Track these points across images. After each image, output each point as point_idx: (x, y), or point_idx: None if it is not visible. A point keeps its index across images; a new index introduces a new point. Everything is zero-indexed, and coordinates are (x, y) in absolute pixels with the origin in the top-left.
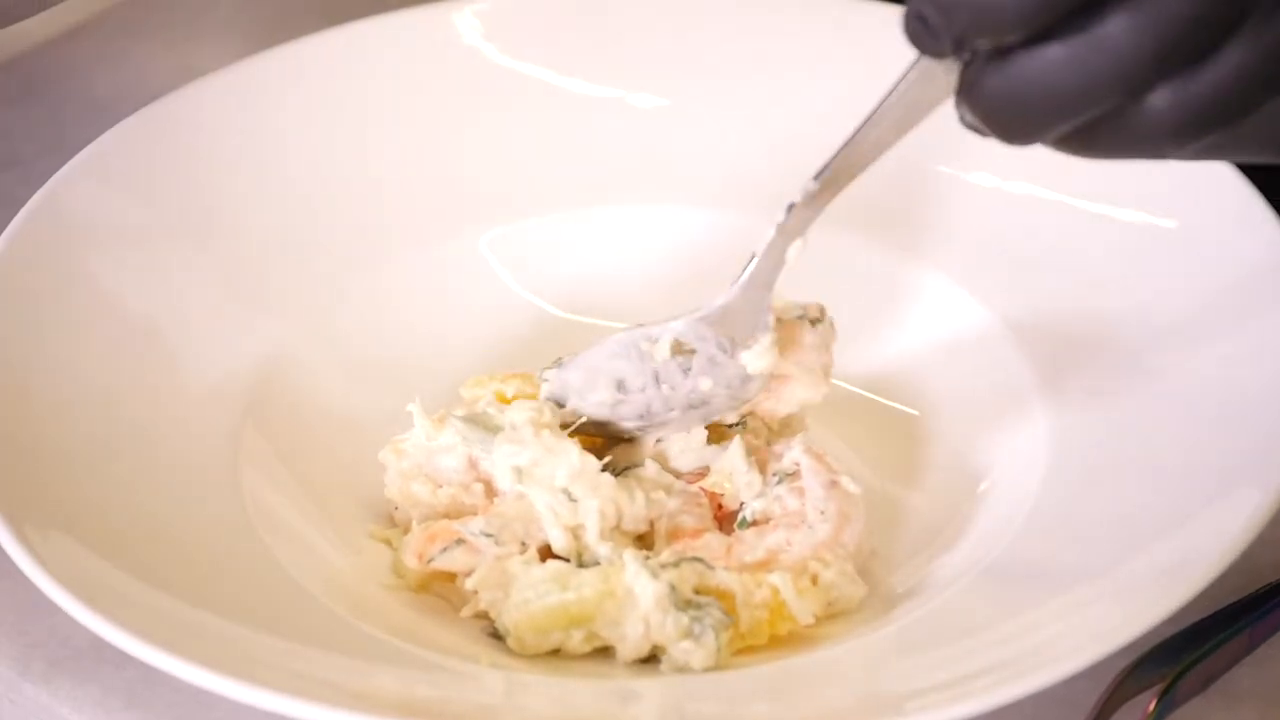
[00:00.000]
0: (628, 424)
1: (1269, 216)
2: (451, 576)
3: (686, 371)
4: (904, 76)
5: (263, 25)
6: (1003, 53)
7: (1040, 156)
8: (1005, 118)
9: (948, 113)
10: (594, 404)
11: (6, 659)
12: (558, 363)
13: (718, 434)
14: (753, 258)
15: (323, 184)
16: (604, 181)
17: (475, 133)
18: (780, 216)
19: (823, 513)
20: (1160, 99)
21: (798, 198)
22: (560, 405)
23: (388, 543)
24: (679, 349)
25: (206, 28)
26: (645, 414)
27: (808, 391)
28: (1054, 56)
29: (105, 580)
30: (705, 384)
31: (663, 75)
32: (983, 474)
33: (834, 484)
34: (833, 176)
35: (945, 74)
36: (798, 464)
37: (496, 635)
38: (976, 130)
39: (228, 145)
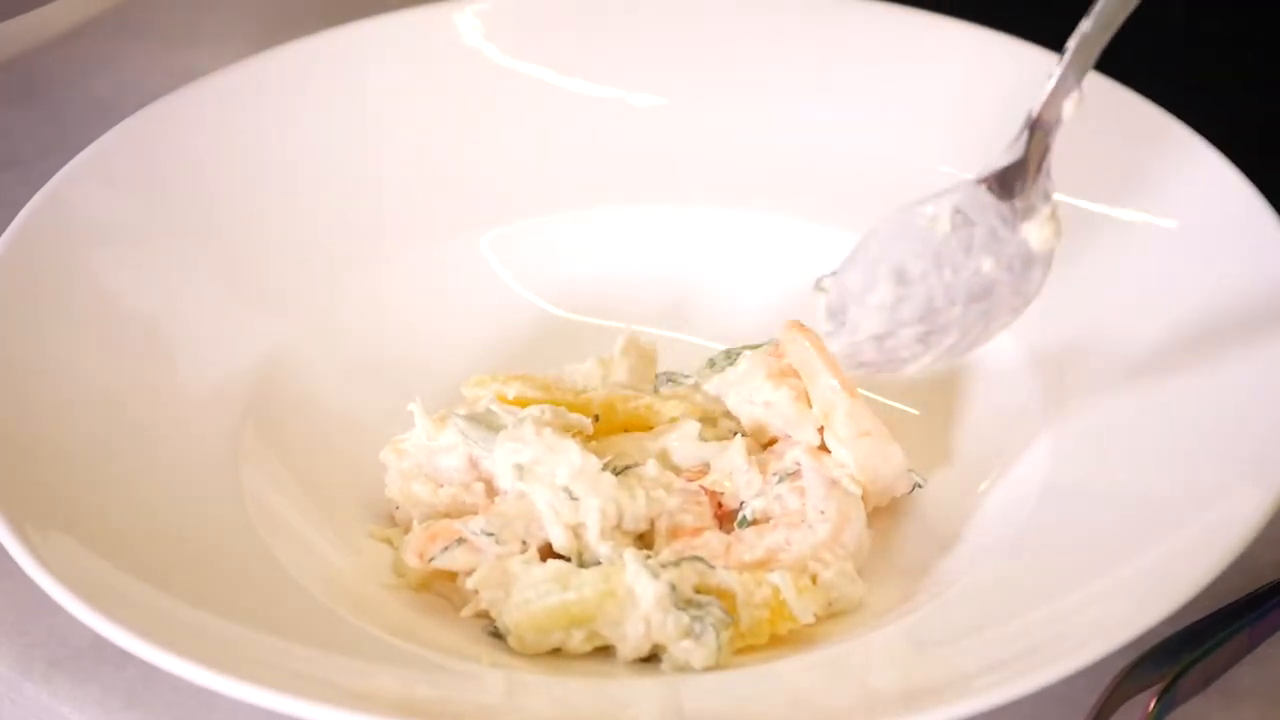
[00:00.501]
0: (908, 332)
1: (1269, 216)
2: (452, 576)
3: (968, 250)
4: None
5: (263, 26)
6: None
7: None
8: None
9: (949, 114)
10: (874, 308)
11: (7, 659)
12: (833, 273)
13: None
14: (1027, 116)
15: (323, 184)
16: (604, 181)
17: (475, 133)
18: (1057, 66)
19: (823, 512)
20: None
21: (1072, 41)
22: (838, 323)
23: (388, 542)
24: (960, 221)
25: (206, 28)
26: (927, 312)
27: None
28: None
29: (105, 580)
30: (988, 264)
31: (662, 75)
32: (983, 474)
33: (834, 484)
34: (1110, 11)
35: None
36: (798, 463)
37: (497, 634)
38: None
39: (228, 145)
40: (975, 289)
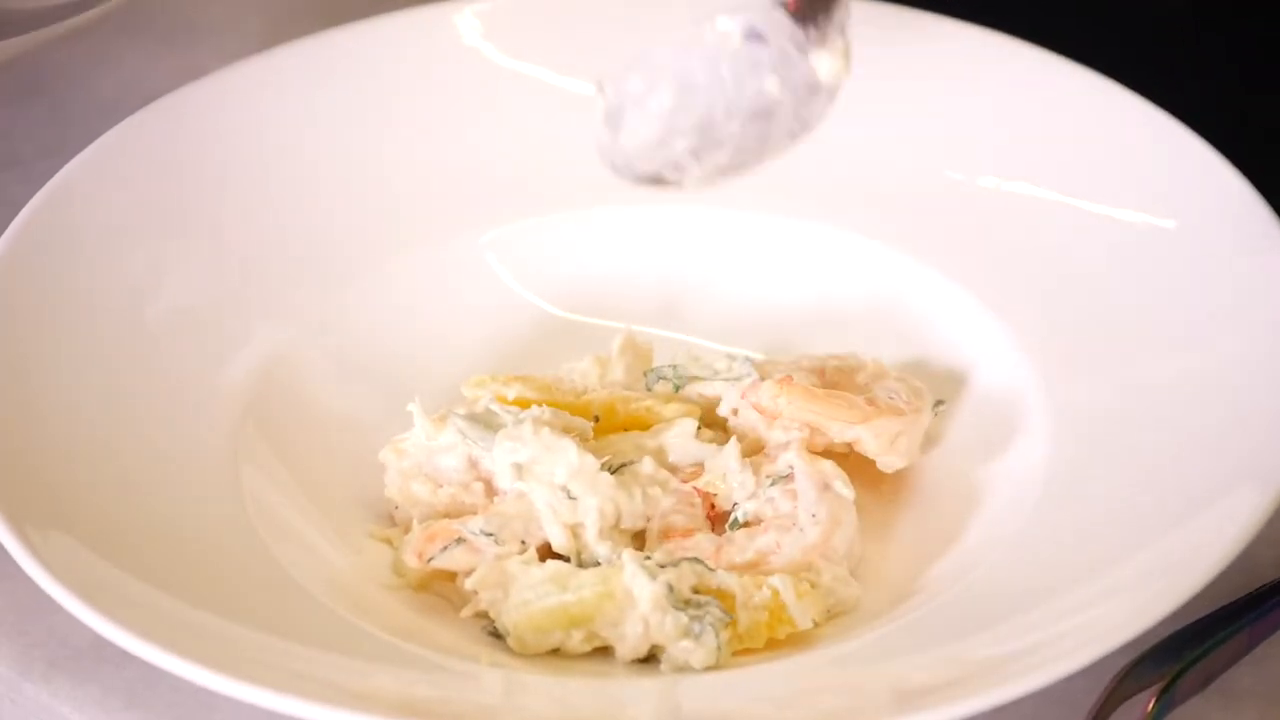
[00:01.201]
0: (682, 143)
1: (1269, 216)
2: (451, 576)
3: (755, 67)
4: None
5: (263, 26)
6: None
7: (1042, 156)
8: None
9: (951, 117)
10: (652, 113)
11: (7, 659)
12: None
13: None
14: None
15: (323, 184)
16: (604, 181)
17: (475, 133)
18: None
19: (814, 516)
20: None
21: None
22: (614, 128)
23: (388, 542)
24: (752, 37)
25: (207, 29)
26: (704, 125)
27: (887, 455)
28: None
29: (106, 580)
30: (772, 84)
31: None
32: (981, 474)
33: (827, 487)
34: None
35: None
36: (791, 466)
37: (496, 635)
38: None
39: (228, 146)
40: (757, 107)
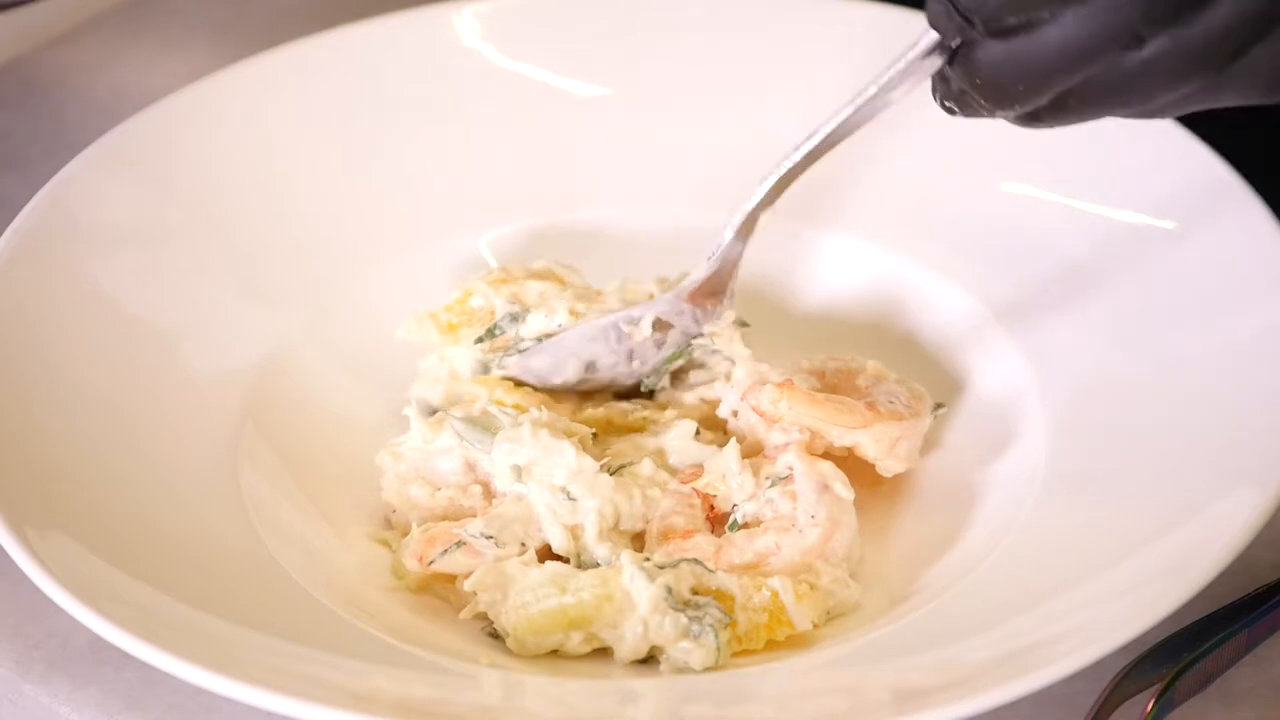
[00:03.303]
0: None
1: (1268, 217)
2: (451, 578)
3: (660, 345)
4: (904, 54)
5: (262, 27)
6: (1015, 28)
7: (1041, 157)
8: (1006, 81)
9: (951, 120)
10: (554, 385)
11: (6, 660)
12: (518, 349)
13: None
14: (728, 228)
15: (322, 185)
16: (604, 181)
17: (475, 133)
18: (757, 189)
19: (813, 517)
20: (1155, 47)
21: (773, 171)
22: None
23: (386, 545)
24: (660, 326)
25: (206, 29)
26: (606, 384)
27: (887, 460)
28: (1067, 21)
29: (105, 581)
30: (670, 352)
31: (661, 76)
32: (982, 475)
33: (826, 489)
34: (813, 151)
35: (932, 62)
36: (791, 468)
37: (495, 636)
38: (958, 106)
39: (227, 146)
40: (656, 365)
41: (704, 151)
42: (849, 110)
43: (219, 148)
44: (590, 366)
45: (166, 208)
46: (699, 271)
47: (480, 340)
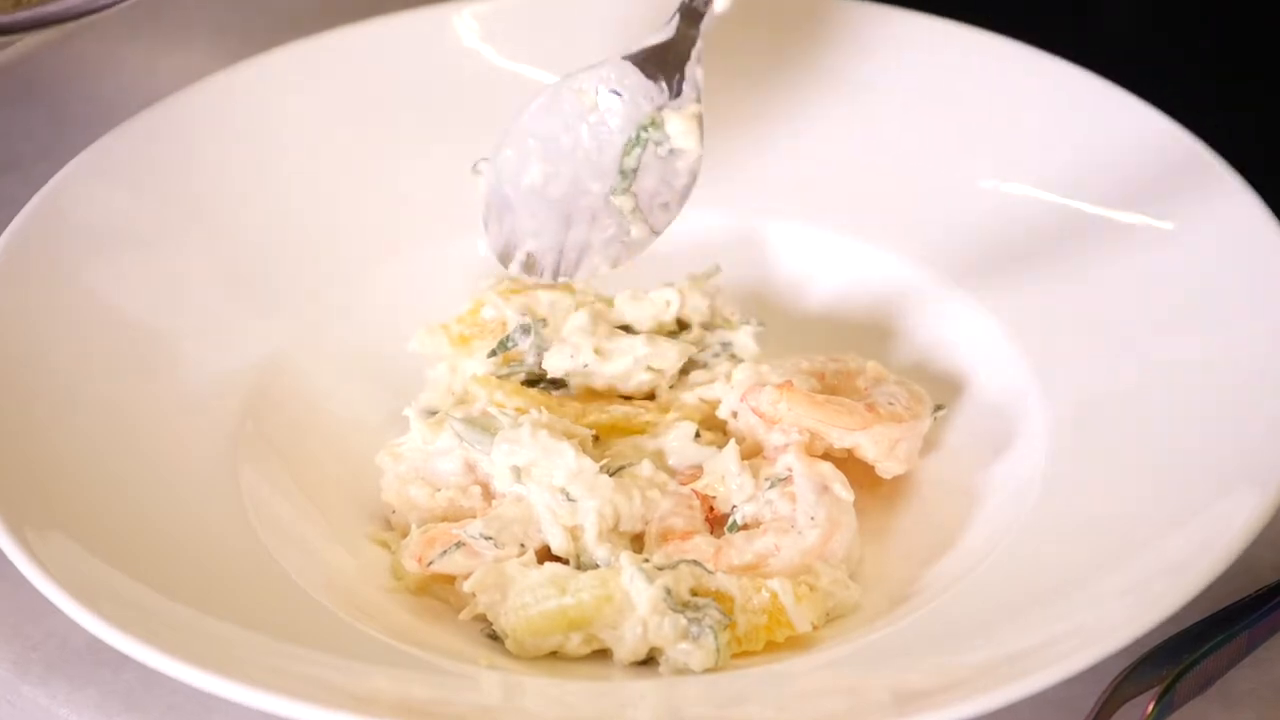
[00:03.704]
0: (552, 209)
1: (1268, 217)
2: (450, 579)
3: (614, 118)
4: None
5: (262, 27)
6: None
7: (1041, 158)
8: None
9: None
10: (526, 189)
11: (5, 661)
12: (486, 158)
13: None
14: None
15: (322, 186)
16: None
17: (474, 134)
18: None
19: (813, 518)
20: None
21: None
22: (497, 218)
23: (385, 546)
24: (607, 93)
25: (206, 30)
26: (574, 189)
27: (887, 461)
28: None
29: (104, 582)
30: (631, 133)
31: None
32: (981, 476)
33: (826, 490)
34: None
35: None
36: (790, 469)
37: (495, 637)
38: None
39: (227, 147)
40: (625, 167)
41: (706, 151)
42: None
43: (218, 149)
44: (552, 152)
45: (166, 208)
46: (652, 37)
47: (493, 353)
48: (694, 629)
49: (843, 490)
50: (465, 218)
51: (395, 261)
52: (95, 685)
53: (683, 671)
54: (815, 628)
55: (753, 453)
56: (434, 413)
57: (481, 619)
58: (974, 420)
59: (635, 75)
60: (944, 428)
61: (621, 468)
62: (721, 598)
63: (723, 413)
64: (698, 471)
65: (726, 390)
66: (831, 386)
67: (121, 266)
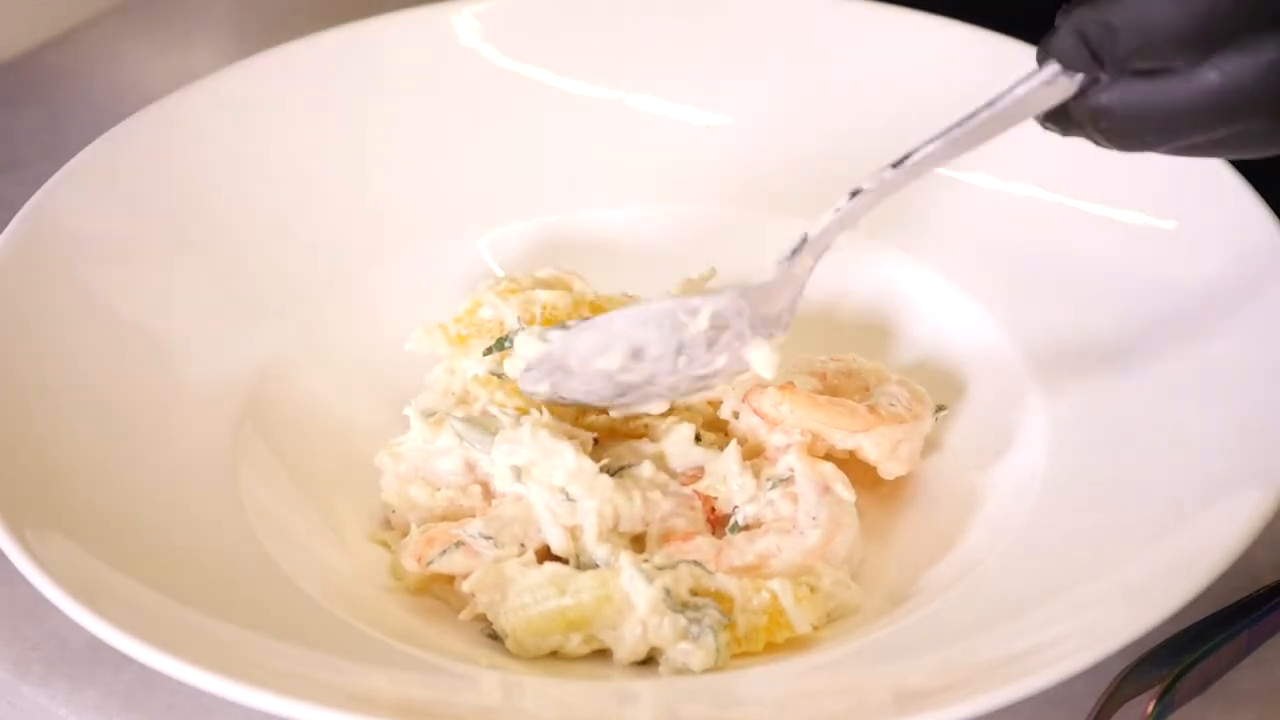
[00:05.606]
0: (612, 384)
1: (1268, 217)
2: (450, 579)
3: (711, 347)
4: (1023, 83)
5: (261, 27)
6: (1145, 72)
7: (1039, 157)
8: (1134, 130)
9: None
10: (596, 371)
11: (4, 661)
12: (564, 325)
13: (713, 427)
14: (803, 239)
15: (321, 186)
16: (604, 181)
17: (474, 133)
18: (842, 201)
19: (814, 519)
20: None
21: (868, 184)
22: (545, 373)
23: (385, 545)
24: (716, 323)
25: (204, 30)
26: (644, 381)
27: (888, 462)
28: (1209, 78)
29: (103, 582)
30: (722, 360)
31: (661, 76)
32: (980, 476)
33: (827, 490)
34: (912, 168)
35: (1064, 87)
36: (791, 469)
37: (494, 637)
38: (1068, 132)
39: (224, 147)
40: (699, 376)
41: (704, 151)
42: (956, 132)
43: (217, 148)
44: (637, 354)
45: (163, 210)
46: (766, 276)
47: (489, 352)
48: (694, 629)
49: (844, 491)
50: (465, 218)
51: (394, 261)
52: (95, 685)
53: (682, 672)
54: (815, 628)
55: (754, 454)
56: (433, 413)
57: (481, 619)
58: (974, 420)
59: (745, 306)
60: (944, 428)
61: (622, 468)
62: (721, 598)
63: (724, 413)
64: (699, 473)
65: (727, 391)
66: (833, 387)
67: (119, 268)
